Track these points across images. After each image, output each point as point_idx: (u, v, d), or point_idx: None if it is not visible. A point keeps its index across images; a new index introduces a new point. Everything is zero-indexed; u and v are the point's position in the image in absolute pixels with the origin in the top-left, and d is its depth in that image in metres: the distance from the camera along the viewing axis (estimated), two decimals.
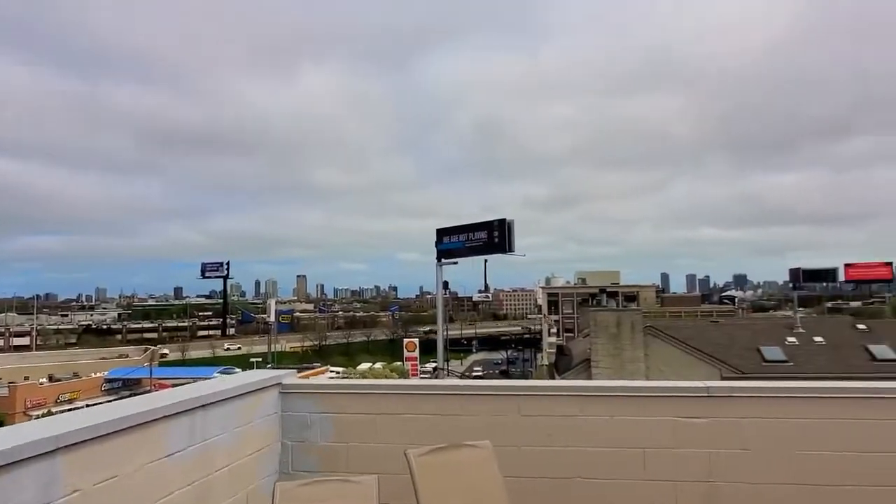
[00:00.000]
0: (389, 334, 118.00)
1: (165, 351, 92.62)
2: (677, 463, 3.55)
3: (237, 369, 55.09)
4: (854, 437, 3.41)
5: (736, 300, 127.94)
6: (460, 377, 65.37)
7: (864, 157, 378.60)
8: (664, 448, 3.58)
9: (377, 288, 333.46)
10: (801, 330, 25.26)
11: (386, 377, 39.72)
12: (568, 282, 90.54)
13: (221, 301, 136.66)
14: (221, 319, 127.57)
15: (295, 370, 4.48)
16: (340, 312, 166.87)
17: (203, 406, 3.25)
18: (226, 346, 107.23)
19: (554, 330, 71.36)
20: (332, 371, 47.53)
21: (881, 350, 22.90)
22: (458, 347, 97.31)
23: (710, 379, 19.57)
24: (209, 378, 5.11)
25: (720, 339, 25.02)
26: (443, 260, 52.26)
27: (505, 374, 70.46)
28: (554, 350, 26.01)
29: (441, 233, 52.91)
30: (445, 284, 60.17)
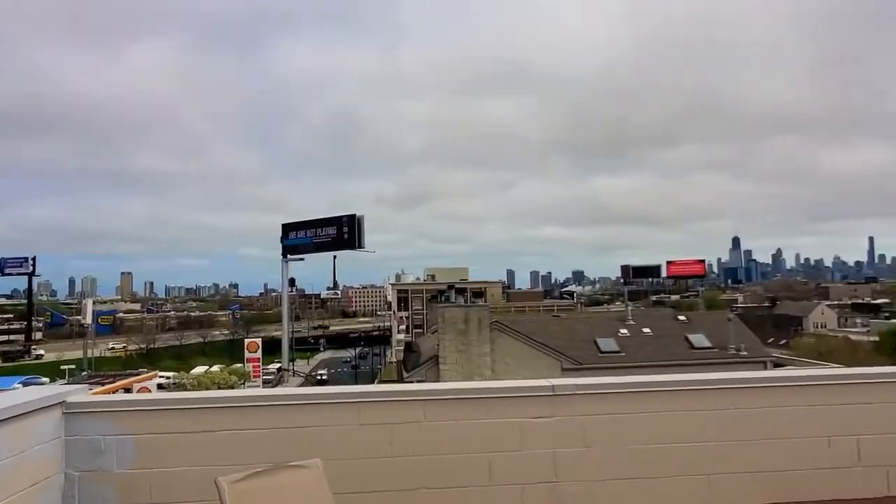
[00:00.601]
0: (229, 335, 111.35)
1: None
2: (524, 465, 3.43)
3: (44, 379, 48.35)
4: (684, 428, 3.50)
5: (575, 295, 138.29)
6: (306, 378, 63.45)
7: (686, 164, 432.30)
8: (511, 451, 3.43)
9: (216, 286, 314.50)
10: (631, 322, 27.74)
11: (224, 381, 37.16)
12: (418, 278, 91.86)
13: (26, 301, 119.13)
14: (26, 322, 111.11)
15: (87, 386, 3.70)
16: (173, 313, 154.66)
17: None
18: (37, 351, 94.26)
19: (403, 326, 71.92)
20: (161, 376, 43.46)
21: (698, 339, 25.92)
22: (304, 346, 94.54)
23: (552, 370, 20.72)
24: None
25: (561, 332, 26.65)
26: (289, 256, 50.41)
27: (356, 370, 69.60)
28: (402, 347, 25.98)
29: (287, 228, 50.96)
30: (292, 281, 58.25)
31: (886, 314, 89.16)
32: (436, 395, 3.54)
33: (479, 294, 23.49)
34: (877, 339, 61.52)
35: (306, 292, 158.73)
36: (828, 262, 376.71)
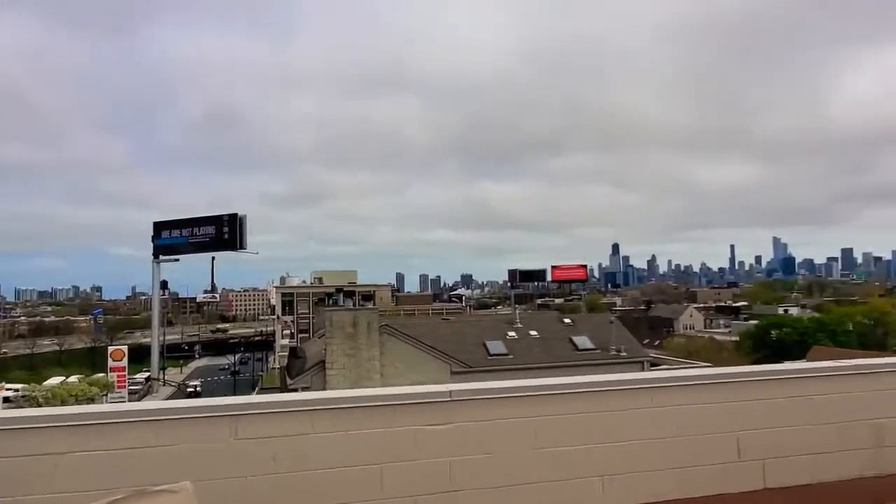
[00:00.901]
0: (90, 342, 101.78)
1: None
2: (418, 475, 3.25)
3: None
4: (581, 430, 3.47)
5: (464, 298, 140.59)
6: (178, 387, 59.38)
7: (571, 172, 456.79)
8: (405, 461, 3.22)
9: (76, 288, 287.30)
10: (519, 325, 28.47)
11: (83, 393, 33.78)
12: (304, 281, 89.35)
13: None
14: None
15: None
16: (23, 318, 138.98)
17: None
18: None
19: (288, 331, 69.52)
20: (8, 389, 38.76)
21: (582, 341, 27.12)
22: (178, 354, 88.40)
23: (441, 374, 20.75)
24: None
25: (450, 335, 26.86)
26: (161, 257, 46.91)
27: (235, 377, 66.04)
28: (286, 353, 24.94)
29: (160, 226, 47.40)
30: (164, 284, 54.17)
31: (745, 316, 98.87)
32: (325, 404, 3.26)
33: (368, 297, 23.04)
34: (737, 339, 68.10)
35: (181, 296, 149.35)
36: (696, 268, 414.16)
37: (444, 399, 3.35)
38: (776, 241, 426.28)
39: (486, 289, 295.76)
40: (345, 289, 28.65)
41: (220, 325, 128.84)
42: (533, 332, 27.59)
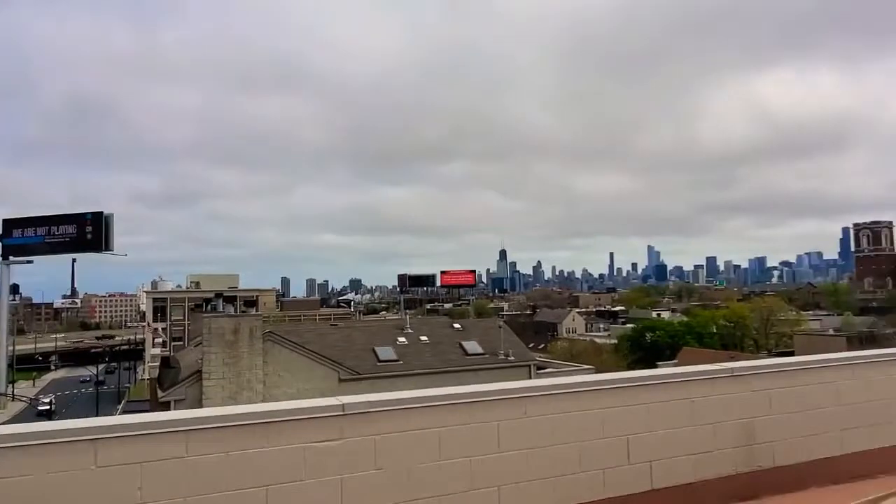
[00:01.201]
0: None
1: None
2: (308, 496, 3.02)
3: None
4: (476, 440, 3.39)
5: (352, 303, 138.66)
6: (29, 403, 53.57)
7: (461, 180, 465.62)
8: (293, 482, 2.98)
9: None
10: (409, 330, 28.29)
11: None
12: (179, 286, 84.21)
13: None
14: None
15: None
16: None
17: None
18: None
19: (160, 339, 64.81)
20: None
21: (472, 346, 27.42)
22: (31, 365, 79.53)
23: (328, 381, 20.12)
24: None
25: (339, 341, 26.16)
26: (11, 258, 41.88)
27: (98, 389, 60.33)
28: (157, 362, 23.09)
29: (10, 224, 42.40)
30: (14, 288, 48.53)
31: (622, 320, 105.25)
32: (202, 423, 2.92)
33: (251, 303, 21.82)
34: (615, 342, 72.50)
35: (35, 301, 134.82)
36: (578, 274, 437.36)
37: (337, 413, 3.14)
38: (650, 249, 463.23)
39: (376, 294, 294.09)
40: (225, 294, 27.08)
41: (105, 332, 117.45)
42: (423, 338, 27.60)
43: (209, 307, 23.29)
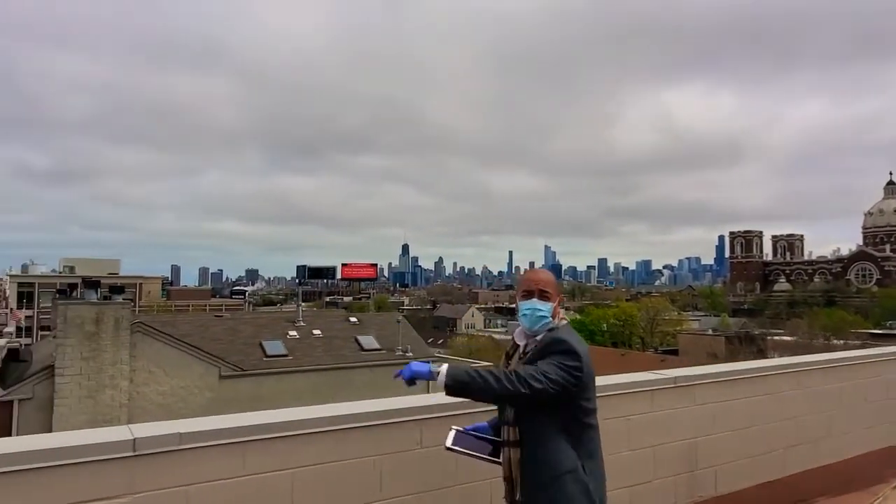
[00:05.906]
0: None
1: None
2: None
3: None
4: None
5: (247, 294, 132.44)
6: None
7: (371, 172, 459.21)
8: None
9: None
10: (302, 323, 26.51)
11: None
12: (53, 270, 76.70)
13: None
14: None
15: None
16: None
17: None
18: None
19: (11, 328, 58.35)
20: None
21: (368, 341, 26.06)
22: None
23: (208, 378, 18.18)
24: None
25: (223, 334, 24.03)
26: None
27: None
28: (3, 353, 20.05)
29: None
30: None
31: None
32: None
33: (118, 290, 19.25)
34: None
35: None
36: (478, 271, 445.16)
37: (126, 454, 2.00)
38: (547, 249, 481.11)
39: (276, 285, 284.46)
40: (102, 280, 24.15)
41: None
42: (316, 331, 26.02)
43: (73, 294, 20.52)
